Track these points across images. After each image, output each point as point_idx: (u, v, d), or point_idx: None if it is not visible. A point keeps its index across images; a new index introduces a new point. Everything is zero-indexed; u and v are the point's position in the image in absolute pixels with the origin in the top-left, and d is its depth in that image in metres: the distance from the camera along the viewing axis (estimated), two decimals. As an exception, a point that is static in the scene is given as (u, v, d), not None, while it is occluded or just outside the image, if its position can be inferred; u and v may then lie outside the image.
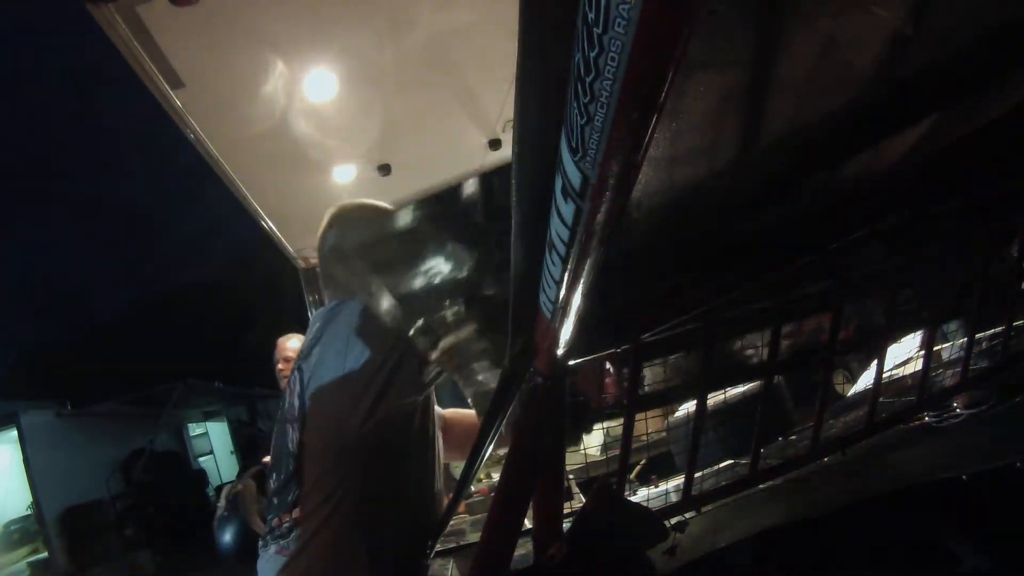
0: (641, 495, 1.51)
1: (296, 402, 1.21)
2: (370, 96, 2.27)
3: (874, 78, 0.55)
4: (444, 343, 1.12)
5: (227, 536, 2.81)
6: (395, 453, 1.19)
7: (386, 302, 1.14)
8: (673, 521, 1.04)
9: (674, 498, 1.10)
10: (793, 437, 1.48)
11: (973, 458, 1.01)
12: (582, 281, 0.55)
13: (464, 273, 1.03)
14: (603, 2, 0.29)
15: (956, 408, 1.29)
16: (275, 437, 1.35)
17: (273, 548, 1.26)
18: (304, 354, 1.24)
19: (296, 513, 1.18)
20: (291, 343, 2.61)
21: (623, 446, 1.01)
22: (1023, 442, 1.03)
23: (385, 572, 1.18)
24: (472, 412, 1.32)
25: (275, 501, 1.31)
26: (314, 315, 1.33)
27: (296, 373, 1.22)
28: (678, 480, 1.13)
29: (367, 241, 1.22)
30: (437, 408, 1.35)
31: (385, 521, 1.17)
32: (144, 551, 9.34)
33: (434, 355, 1.15)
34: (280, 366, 2.58)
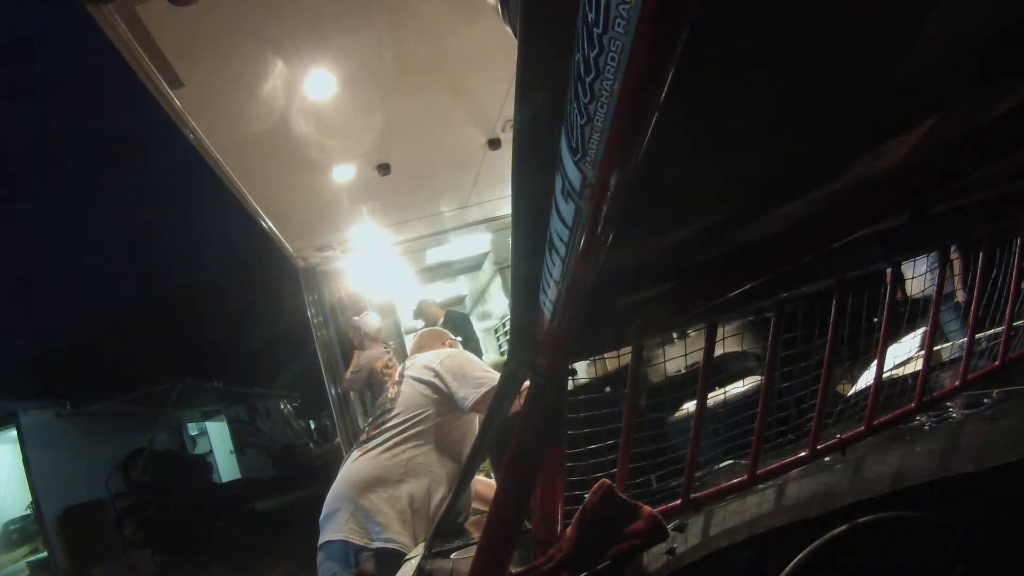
0: (641, 495, 1.51)
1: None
2: (370, 96, 2.27)
3: (883, 73, 0.55)
4: None
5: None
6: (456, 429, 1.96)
7: None
8: (673, 522, 1.04)
9: (674, 499, 1.10)
10: (792, 437, 1.48)
11: (973, 458, 1.01)
12: (582, 281, 0.55)
13: None
14: (603, 2, 0.29)
15: (956, 408, 1.29)
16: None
17: (356, 452, 1.96)
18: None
19: (383, 428, 1.92)
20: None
21: (623, 445, 1.01)
22: (1023, 442, 1.03)
23: (421, 482, 1.84)
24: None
25: (368, 421, 2.11)
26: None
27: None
28: (678, 480, 1.13)
29: None
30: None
31: (433, 453, 1.90)
32: (144, 551, 9.32)
33: None
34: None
